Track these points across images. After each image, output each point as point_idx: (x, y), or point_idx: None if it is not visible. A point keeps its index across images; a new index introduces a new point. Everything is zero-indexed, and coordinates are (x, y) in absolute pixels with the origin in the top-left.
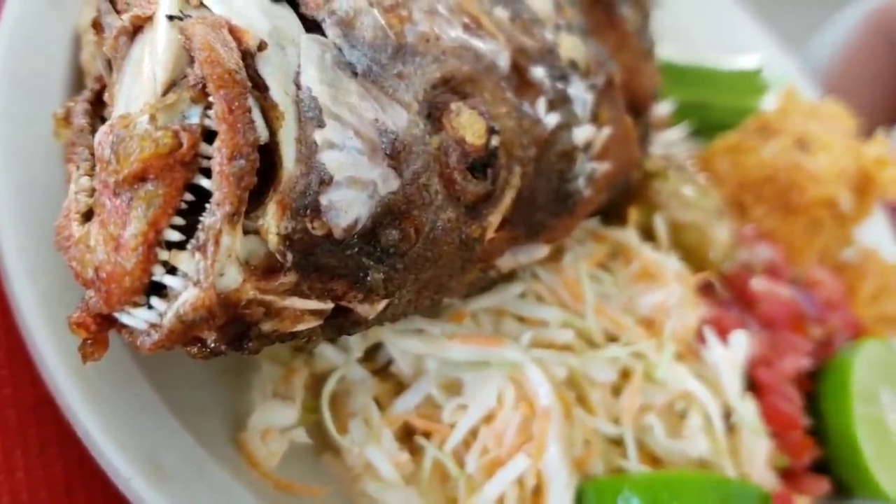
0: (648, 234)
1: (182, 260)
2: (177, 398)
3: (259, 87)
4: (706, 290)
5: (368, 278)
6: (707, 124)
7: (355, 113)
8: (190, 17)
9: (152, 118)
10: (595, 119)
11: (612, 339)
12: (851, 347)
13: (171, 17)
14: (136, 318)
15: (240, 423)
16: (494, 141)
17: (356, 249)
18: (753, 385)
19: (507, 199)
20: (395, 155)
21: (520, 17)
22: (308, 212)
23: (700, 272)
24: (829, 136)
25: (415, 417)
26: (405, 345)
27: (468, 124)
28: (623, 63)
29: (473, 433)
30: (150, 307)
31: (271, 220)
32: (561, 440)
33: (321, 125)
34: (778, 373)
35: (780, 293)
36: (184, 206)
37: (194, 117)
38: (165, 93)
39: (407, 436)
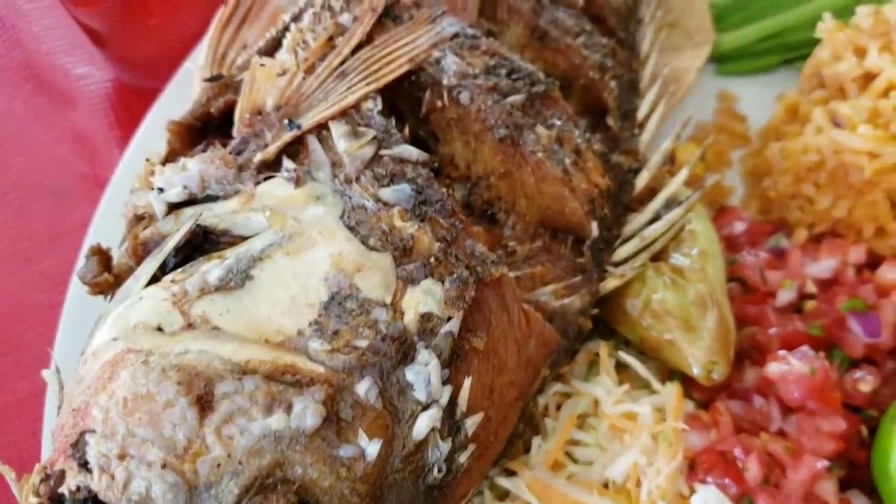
0: None
1: None
2: None
3: None
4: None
5: None
6: (792, 48)
7: None
8: None
9: None
10: (456, 361)
11: None
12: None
13: None
14: None
15: None
16: None
17: None
18: None
19: None
20: None
21: (345, 321)
22: None
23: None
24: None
25: None
26: None
27: None
28: (546, 192)
29: None
30: None
31: None
32: None
33: None
34: (792, 485)
35: (795, 371)
36: None
37: None
38: None
39: None
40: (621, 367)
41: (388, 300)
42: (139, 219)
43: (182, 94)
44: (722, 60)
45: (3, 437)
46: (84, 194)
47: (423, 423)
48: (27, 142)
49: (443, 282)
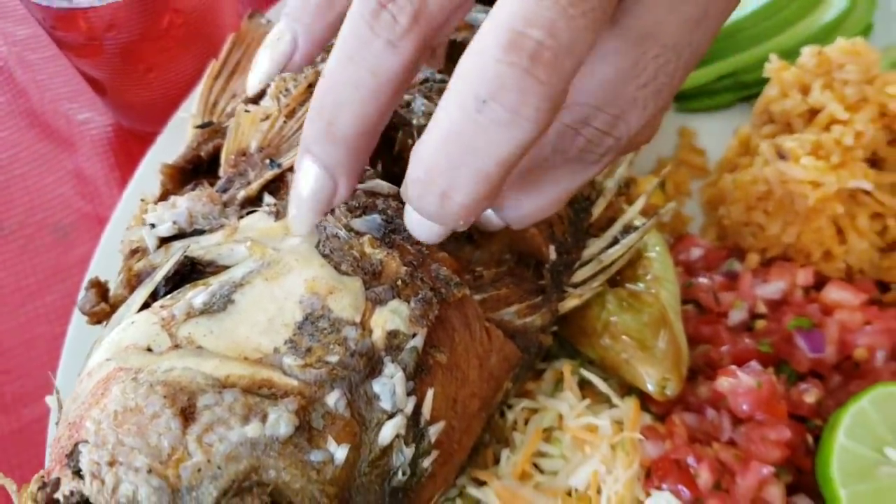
0: None
1: None
2: None
3: None
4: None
5: None
6: (748, 86)
7: None
8: None
9: None
10: (421, 373)
11: None
12: (842, 409)
13: None
14: None
15: None
16: None
17: None
18: None
19: None
20: None
21: (318, 339)
22: None
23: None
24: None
25: None
26: None
27: None
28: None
29: None
30: None
31: None
32: None
33: None
34: (741, 490)
35: (744, 384)
36: None
37: None
38: None
39: None
40: (585, 384)
41: (358, 319)
42: (133, 253)
43: (176, 139)
44: (682, 99)
45: (9, 459)
46: (85, 232)
47: (389, 431)
48: (32, 183)
49: (409, 302)
